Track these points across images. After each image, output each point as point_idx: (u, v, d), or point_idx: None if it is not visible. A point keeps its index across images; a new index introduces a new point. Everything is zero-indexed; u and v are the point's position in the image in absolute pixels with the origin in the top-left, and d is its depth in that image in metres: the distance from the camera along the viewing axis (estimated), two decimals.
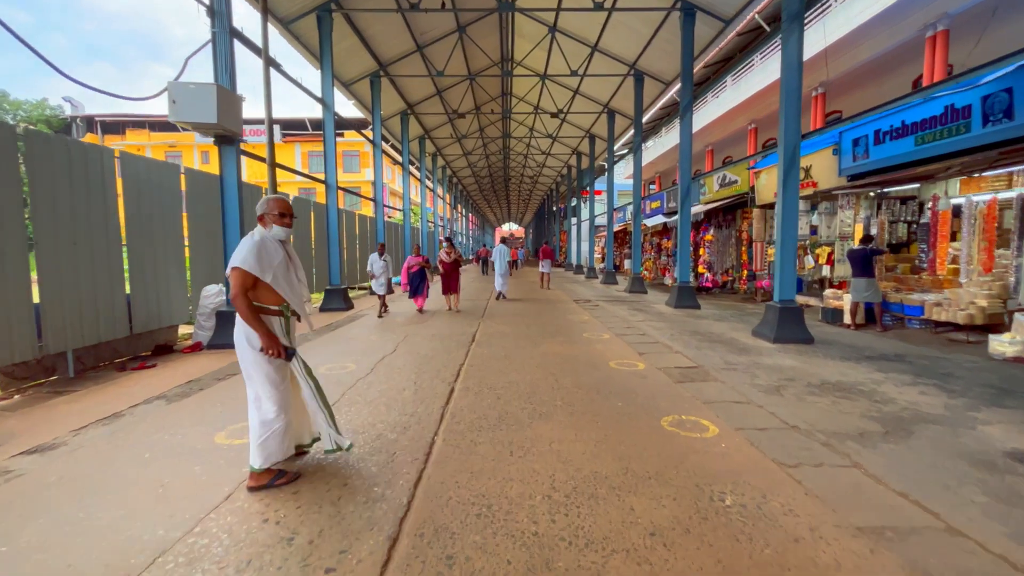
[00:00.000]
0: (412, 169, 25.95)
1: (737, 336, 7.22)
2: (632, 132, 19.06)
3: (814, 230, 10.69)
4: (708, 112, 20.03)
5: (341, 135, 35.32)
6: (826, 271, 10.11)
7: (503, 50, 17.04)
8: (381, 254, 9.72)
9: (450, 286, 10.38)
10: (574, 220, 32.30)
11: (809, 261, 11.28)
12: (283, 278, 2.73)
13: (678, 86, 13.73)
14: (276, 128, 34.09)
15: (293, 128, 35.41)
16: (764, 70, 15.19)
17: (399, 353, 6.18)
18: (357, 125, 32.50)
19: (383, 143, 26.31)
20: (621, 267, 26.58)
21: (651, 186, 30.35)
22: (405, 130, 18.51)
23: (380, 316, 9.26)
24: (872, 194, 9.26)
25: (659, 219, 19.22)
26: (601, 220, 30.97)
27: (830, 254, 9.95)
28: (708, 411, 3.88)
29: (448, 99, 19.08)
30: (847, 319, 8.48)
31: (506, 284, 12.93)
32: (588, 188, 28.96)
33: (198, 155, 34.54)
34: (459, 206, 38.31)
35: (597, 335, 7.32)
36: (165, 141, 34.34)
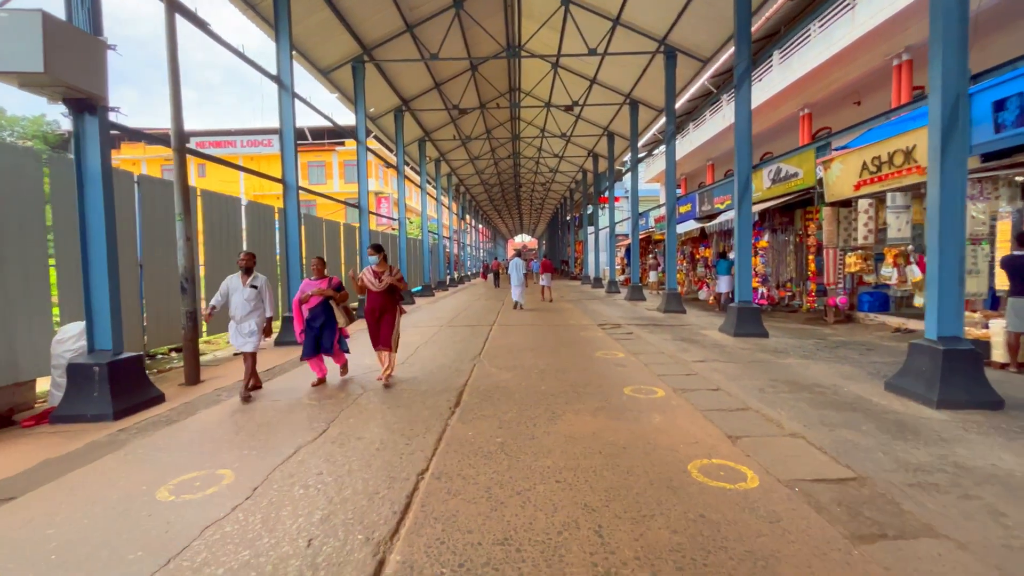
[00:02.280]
0: (416, 176, 23.90)
1: (866, 393, 4.68)
2: (659, 124, 16.74)
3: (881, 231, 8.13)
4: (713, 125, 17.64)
5: (341, 143, 33.62)
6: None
7: (508, 35, 14.90)
8: (248, 271, 5.04)
9: (379, 334, 5.32)
10: (591, 229, 29.91)
11: (888, 271, 8.70)
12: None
13: (722, 58, 11.40)
14: (275, 139, 32.54)
15: None
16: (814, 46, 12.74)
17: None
18: (351, 134, 30.89)
19: (379, 146, 24.64)
20: (644, 279, 24.05)
21: (676, 189, 27.80)
22: (399, 129, 16.39)
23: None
24: (1021, 179, 6.69)
25: (691, 224, 16.75)
26: (620, 228, 28.55)
27: None
28: None
29: (448, 94, 17.00)
30: (998, 355, 5.89)
31: (523, 295, 13.42)
32: (607, 193, 26.60)
33: (195, 168, 33.10)
34: (468, 216, 36.18)
35: (646, 389, 4.85)
36: (161, 155, 32.98)
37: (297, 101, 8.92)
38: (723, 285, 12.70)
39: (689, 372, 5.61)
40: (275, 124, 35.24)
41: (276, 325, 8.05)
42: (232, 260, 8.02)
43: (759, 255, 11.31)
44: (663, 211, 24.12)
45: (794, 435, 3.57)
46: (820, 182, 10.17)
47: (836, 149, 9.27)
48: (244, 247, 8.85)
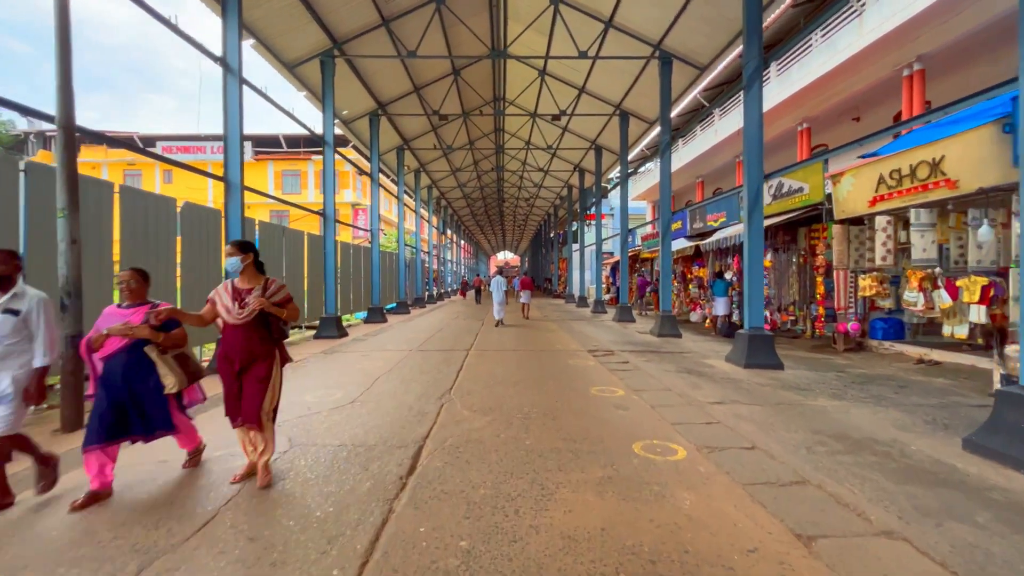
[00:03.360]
0: (394, 187, 22.86)
1: (944, 455, 3.65)
2: (649, 138, 16.04)
3: (903, 251, 7.32)
4: (704, 140, 17.12)
5: (319, 152, 32.33)
6: (978, 313, 6.62)
7: (493, 35, 14.05)
8: (5, 283, 2.77)
9: (242, 399, 3.10)
10: (575, 246, 29.14)
11: (913, 296, 7.86)
12: None
13: (720, 66, 10.69)
14: (248, 146, 31.16)
15: (266, 145, 32.40)
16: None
17: None
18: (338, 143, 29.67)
19: (357, 156, 23.34)
20: (629, 298, 23.19)
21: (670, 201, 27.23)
22: (375, 134, 15.32)
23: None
24: None
25: (682, 242, 15.94)
26: (606, 246, 27.79)
27: (987, 288, 6.50)
28: None
29: (429, 99, 16.05)
30: None
31: (503, 311, 13.29)
32: (593, 209, 25.86)
33: (160, 175, 31.36)
34: (448, 231, 35.07)
35: (661, 446, 3.73)
36: (124, 159, 31.14)
37: (272, 106, 7.75)
38: (720, 307, 11.80)
39: (709, 419, 4.52)
40: (256, 131, 33.67)
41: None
42: (160, 271, 6.70)
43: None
44: (650, 229, 23.48)
45: (890, 535, 2.48)
46: (828, 197, 9.39)
47: (864, 156, 8.47)
48: (179, 257, 7.52)
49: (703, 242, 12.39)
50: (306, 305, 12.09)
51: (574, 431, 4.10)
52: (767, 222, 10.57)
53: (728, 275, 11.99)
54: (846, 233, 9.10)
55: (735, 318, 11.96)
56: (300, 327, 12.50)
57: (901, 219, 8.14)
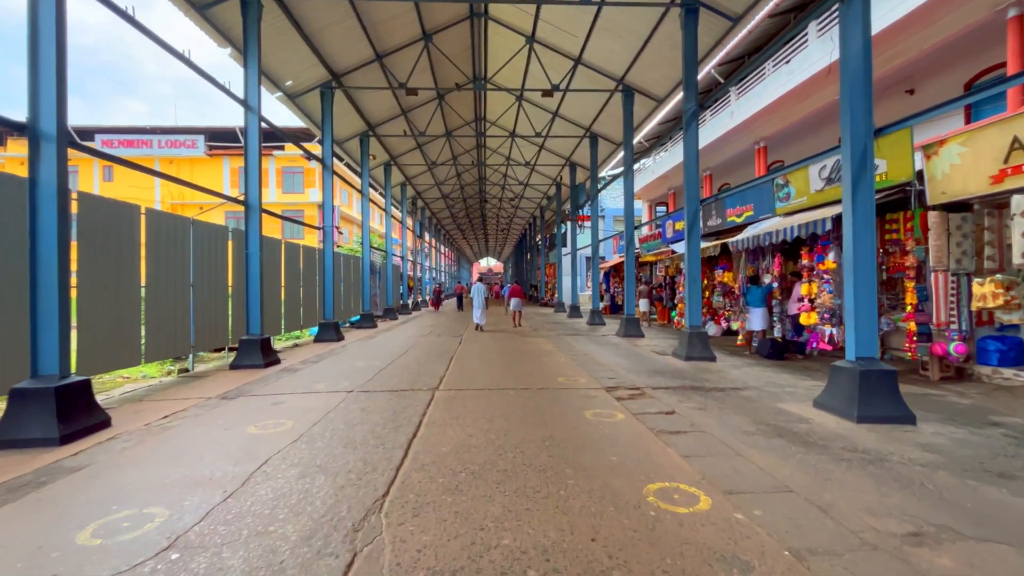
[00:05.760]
0: (379, 197, 20.66)
1: None
2: (656, 119, 13.69)
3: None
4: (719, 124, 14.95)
5: (280, 147, 29.32)
6: None
7: (475, 67, 12.12)
8: None
9: None
10: (566, 250, 26.69)
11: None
12: None
13: (673, 102, 8.36)
14: (199, 139, 28.03)
15: (221, 139, 29.20)
16: None
17: None
18: (299, 137, 26.72)
19: (336, 163, 23.27)
20: (623, 306, 20.84)
21: (658, 208, 25.03)
22: (365, 153, 14.04)
23: None
24: None
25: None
26: (589, 251, 25.40)
27: None
28: None
29: (415, 120, 16.73)
30: None
31: (484, 317, 14.13)
32: (590, 206, 23.47)
33: (100, 171, 27.89)
34: (426, 235, 32.24)
35: None
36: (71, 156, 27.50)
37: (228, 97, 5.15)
38: (756, 321, 9.42)
39: None
40: (201, 123, 31.35)
41: None
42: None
43: (822, 280, 8.03)
44: (647, 230, 21.16)
45: None
46: (920, 176, 7.07)
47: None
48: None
49: (733, 239, 9.99)
50: (230, 321, 9.28)
51: None
52: (810, 216, 8.23)
53: (766, 279, 9.62)
54: (945, 223, 6.77)
55: (775, 333, 9.60)
56: (226, 348, 9.64)
57: None
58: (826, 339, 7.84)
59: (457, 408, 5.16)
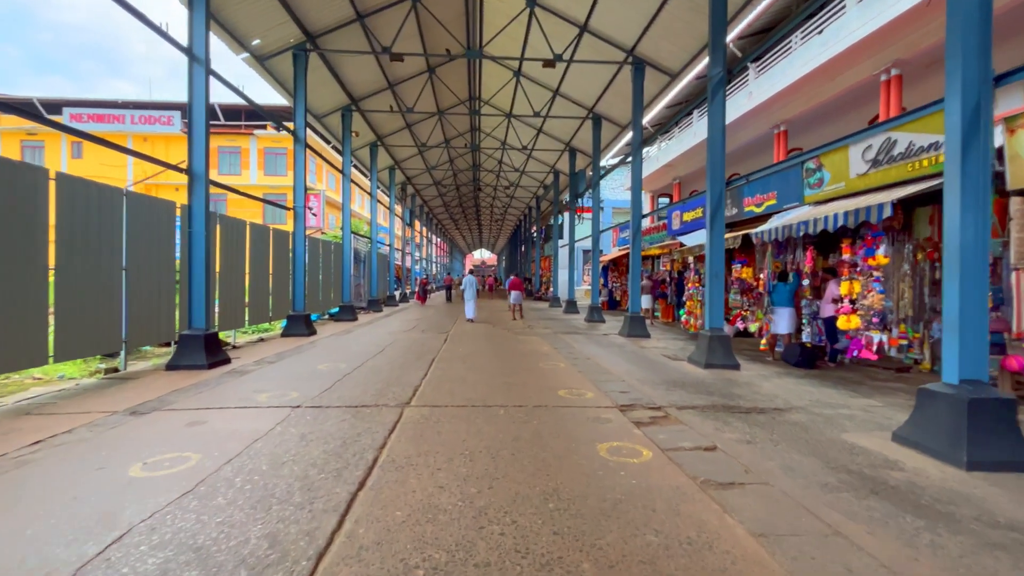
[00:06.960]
0: (364, 180, 19.09)
1: None
2: (623, 141, 12.42)
3: None
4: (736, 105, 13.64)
5: (262, 127, 27.70)
6: None
7: (469, 34, 10.88)
8: None
9: None
10: (563, 242, 25.45)
11: None
12: None
13: (690, 75, 7.07)
14: (175, 116, 26.37)
15: None
16: None
17: None
18: (278, 116, 25.12)
19: (314, 137, 23.18)
20: (623, 303, 19.82)
21: (660, 200, 23.82)
22: (347, 130, 12.96)
23: None
24: None
25: (699, 237, 12.46)
26: (586, 244, 24.17)
27: None
28: None
29: (404, 96, 15.44)
30: None
31: (475, 310, 14.01)
32: (583, 201, 22.21)
33: (68, 147, 26.13)
34: (417, 223, 30.80)
35: None
36: (20, 127, 25.73)
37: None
38: (783, 323, 8.28)
39: None
40: (177, 99, 29.17)
41: None
42: None
43: (871, 278, 6.84)
44: (648, 222, 19.97)
45: None
46: (999, 154, 5.88)
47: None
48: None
49: (758, 230, 8.78)
50: (177, 312, 7.94)
51: None
52: (865, 200, 7.04)
53: (793, 277, 8.44)
54: None
55: (803, 337, 8.45)
56: (172, 343, 8.30)
57: None
58: (873, 347, 6.67)
59: (428, 437, 3.91)
